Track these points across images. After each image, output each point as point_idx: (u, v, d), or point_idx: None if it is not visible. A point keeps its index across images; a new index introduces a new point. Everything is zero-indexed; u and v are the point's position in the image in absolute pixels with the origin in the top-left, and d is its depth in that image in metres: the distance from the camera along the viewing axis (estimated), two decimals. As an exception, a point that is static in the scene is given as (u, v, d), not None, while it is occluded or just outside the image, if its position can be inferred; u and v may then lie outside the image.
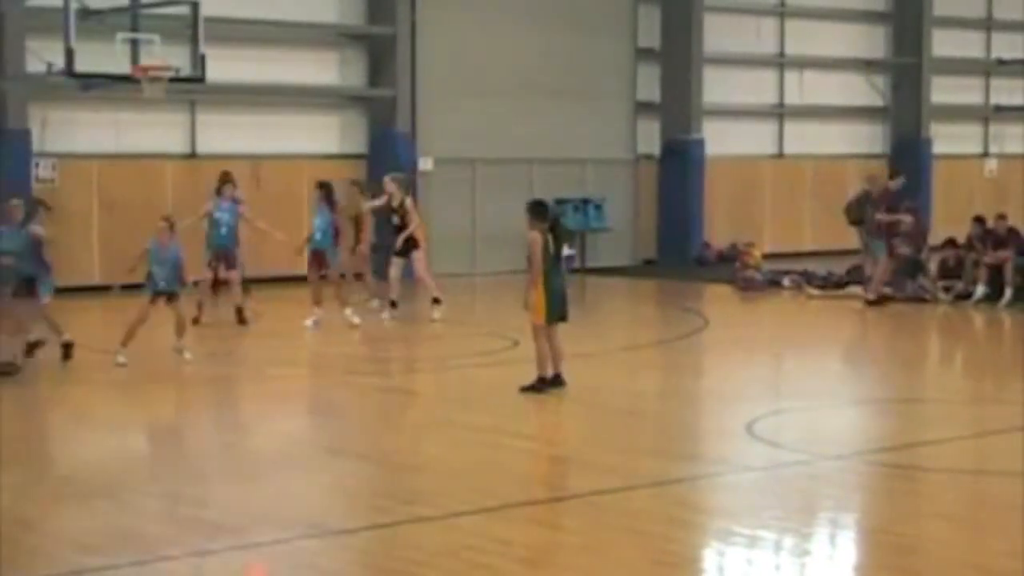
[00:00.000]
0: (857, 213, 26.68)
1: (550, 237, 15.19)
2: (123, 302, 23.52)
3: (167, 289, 17.59)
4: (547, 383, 15.25)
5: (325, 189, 21.37)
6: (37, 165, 25.34)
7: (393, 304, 21.72)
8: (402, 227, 21.77)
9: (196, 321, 20.73)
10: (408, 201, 21.88)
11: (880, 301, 23.66)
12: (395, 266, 21.89)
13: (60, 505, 11.04)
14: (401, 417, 15.08)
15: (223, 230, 21.19)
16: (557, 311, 15.31)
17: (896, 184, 25.88)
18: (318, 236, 21.06)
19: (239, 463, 12.68)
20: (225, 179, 22.04)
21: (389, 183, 22.06)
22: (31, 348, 17.12)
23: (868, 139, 37.09)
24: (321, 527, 10.14)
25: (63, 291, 20.35)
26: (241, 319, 21.16)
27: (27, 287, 17.28)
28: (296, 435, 14.26)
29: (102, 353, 17.51)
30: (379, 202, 22.24)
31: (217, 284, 22.12)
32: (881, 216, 24.55)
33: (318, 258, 21.08)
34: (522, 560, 9.35)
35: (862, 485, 11.90)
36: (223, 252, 21.22)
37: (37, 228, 17.67)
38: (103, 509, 10.78)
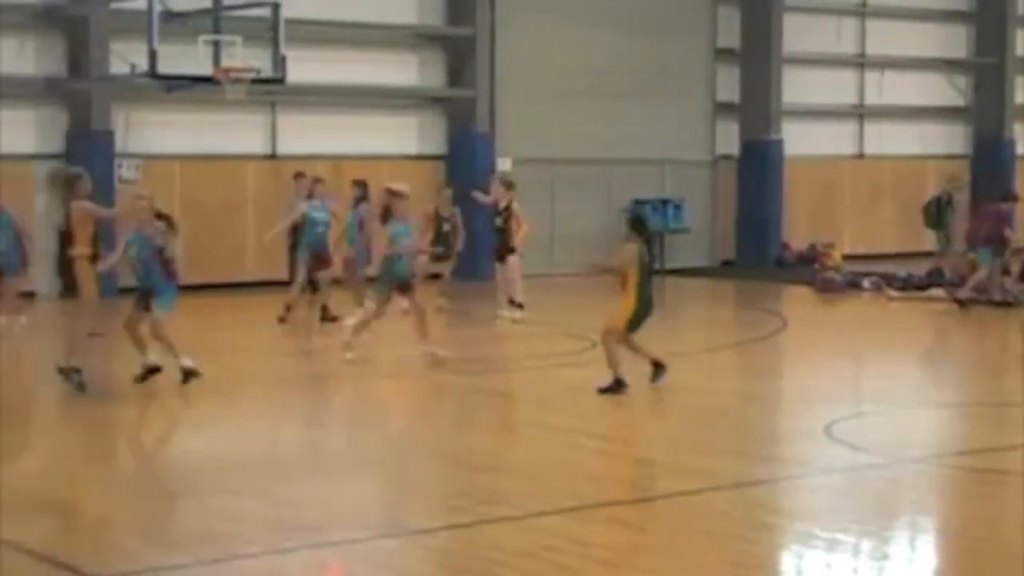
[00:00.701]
0: (935, 217, 26.52)
1: (645, 249, 15.42)
2: (198, 301, 23.76)
3: (408, 278, 17.48)
4: (623, 384, 15.25)
5: (361, 187, 21.59)
6: (120, 166, 25.64)
7: (512, 301, 21.86)
8: (504, 230, 21.82)
9: (283, 320, 21.00)
10: (515, 205, 21.94)
11: (966, 303, 23.42)
12: (500, 272, 22.03)
13: (141, 503, 11.16)
14: (480, 417, 15.10)
15: (320, 229, 21.32)
16: (639, 321, 15.46)
17: (1011, 207, 25.45)
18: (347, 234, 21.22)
19: (318, 462, 12.75)
20: (316, 180, 22.19)
21: (496, 185, 22.32)
22: (147, 373, 15.64)
23: (949, 140, 36.77)
24: (399, 526, 10.18)
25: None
26: (327, 317, 21.29)
27: (145, 299, 15.61)
28: (374, 434, 14.33)
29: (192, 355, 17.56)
30: (487, 199, 22.42)
31: (313, 284, 22.23)
32: (1009, 233, 24.26)
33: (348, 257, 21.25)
34: (600, 561, 9.34)
35: (941, 489, 11.81)
36: (320, 251, 21.32)
37: (154, 231, 15.64)
38: (183, 507, 10.90)
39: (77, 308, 14.85)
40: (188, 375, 15.51)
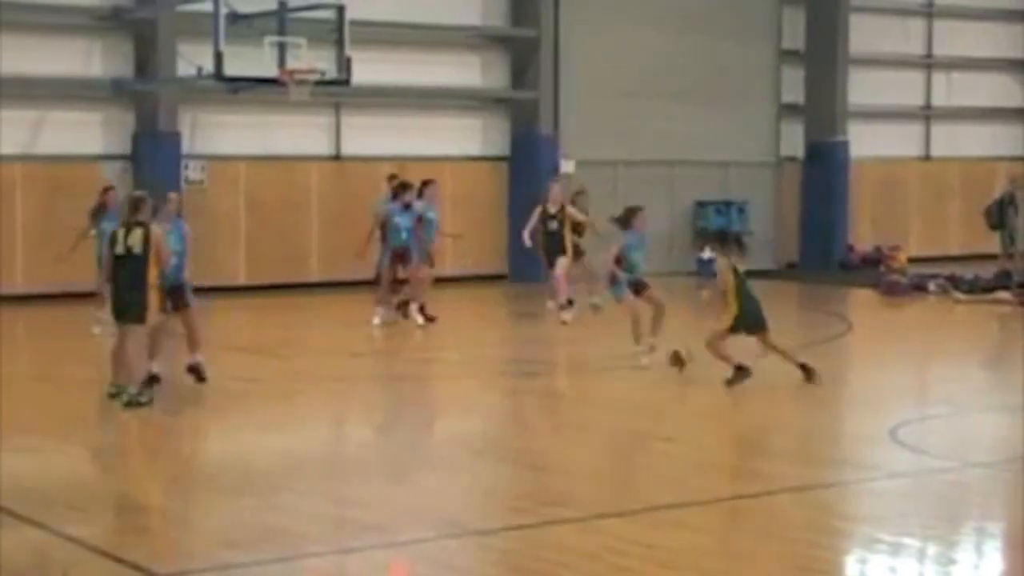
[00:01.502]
0: (997, 218, 26.34)
1: (737, 257, 15.98)
2: (262, 302, 23.90)
3: (640, 279, 17.46)
4: (744, 370, 15.64)
5: (411, 190, 21.63)
6: (187, 166, 25.82)
7: (563, 303, 21.81)
8: (558, 233, 21.78)
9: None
10: (570, 208, 21.98)
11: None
12: (572, 267, 21.99)
13: (207, 501, 11.24)
14: (543, 419, 15.11)
15: (404, 234, 21.35)
16: (745, 324, 15.91)
17: None
18: (403, 235, 21.27)
19: (382, 462, 12.80)
20: (405, 185, 22.17)
21: (555, 188, 22.29)
22: (150, 380, 15.00)
23: (1017, 141, 36.44)
24: (463, 527, 10.19)
25: (208, 291, 20.68)
26: (405, 315, 21.46)
27: (175, 297, 15.31)
28: (440, 435, 14.36)
29: (247, 352, 17.70)
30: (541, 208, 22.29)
31: (397, 284, 22.21)
32: None
33: (401, 257, 21.29)
34: (664, 564, 9.31)
35: (1008, 493, 11.69)
36: (403, 253, 21.42)
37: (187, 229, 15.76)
38: (249, 506, 10.93)
39: (133, 333, 14.67)
40: (193, 371, 15.54)
